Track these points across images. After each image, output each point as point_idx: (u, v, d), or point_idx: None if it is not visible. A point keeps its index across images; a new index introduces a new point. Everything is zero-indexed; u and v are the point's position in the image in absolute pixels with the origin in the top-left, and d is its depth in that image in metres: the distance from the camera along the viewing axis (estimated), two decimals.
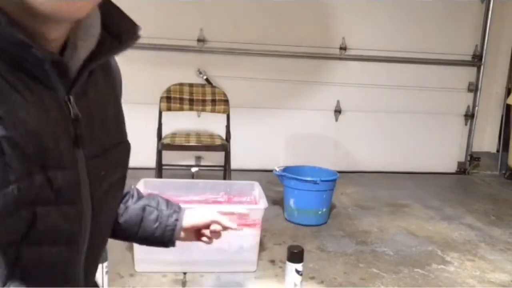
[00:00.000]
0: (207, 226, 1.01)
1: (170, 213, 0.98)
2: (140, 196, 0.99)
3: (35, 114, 0.57)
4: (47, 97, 0.59)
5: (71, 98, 0.62)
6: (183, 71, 3.80)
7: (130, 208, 0.94)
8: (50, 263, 0.64)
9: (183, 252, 2.14)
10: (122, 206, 0.94)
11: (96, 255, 0.75)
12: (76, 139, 0.63)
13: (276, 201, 3.17)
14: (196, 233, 1.03)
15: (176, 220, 0.97)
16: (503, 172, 4.40)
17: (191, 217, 1.00)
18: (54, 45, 0.60)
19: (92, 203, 0.68)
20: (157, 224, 0.96)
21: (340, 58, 4.13)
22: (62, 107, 0.61)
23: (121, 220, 0.92)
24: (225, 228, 1.00)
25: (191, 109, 3.39)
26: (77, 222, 0.66)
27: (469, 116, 4.44)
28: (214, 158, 3.79)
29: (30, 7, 0.53)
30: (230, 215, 1.07)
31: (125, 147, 0.78)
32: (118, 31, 0.63)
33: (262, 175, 3.37)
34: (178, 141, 3.23)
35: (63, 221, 0.63)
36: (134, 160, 3.48)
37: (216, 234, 1.01)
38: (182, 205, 1.05)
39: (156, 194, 1.04)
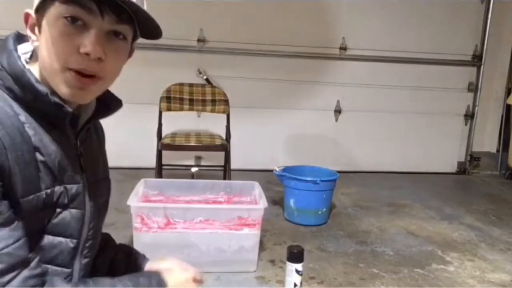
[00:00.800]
0: None
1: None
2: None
3: (58, 149, 0.89)
4: (63, 140, 0.91)
5: (78, 142, 0.96)
6: (183, 71, 3.80)
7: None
8: (60, 250, 0.92)
9: (183, 252, 2.14)
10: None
11: (91, 251, 1.02)
12: (81, 167, 0.96)
13: (276, 201, 3.17)
14: None
15: None
16: (503, 172, 4.41)
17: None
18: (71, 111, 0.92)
19: (90, 211, 0.98)
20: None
21: (340, 58, 4.13)
22: (72, 146, 0.94)
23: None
24: None
25: (191, 109, 3.39)
26: (80, 222, 0.95)
27: (469, 116, 4.44)
28: (214, 158, 3.79)
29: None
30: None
31: (109, 181, 1.12)
32: (109, 105, 1.00)
33: (262, 175, 3.37)
34: (178, 141, 3.23)
35: (71, 220, 0.93)
36: (134, 160, 3.50)
37: None
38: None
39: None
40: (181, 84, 3.37)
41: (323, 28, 4.08)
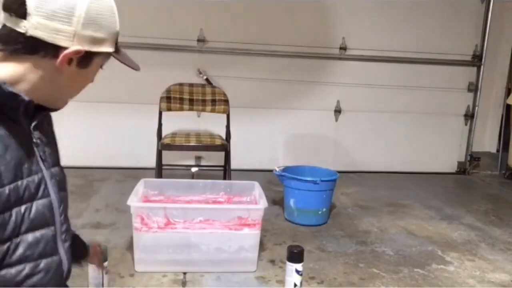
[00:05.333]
0: None
1: None
2: None
3: (14, 142, 0.92)
4: (20, 132, 0.95)
5: (33, 132, 1.00)
6: (183, 71, 3.80)
7: None
8: (45, 241, 0.99)
9: (183, 252, 2.14)
10: None
11: (67, 234, 1.10)
12: (40, 156, 1.01)
13: (276, 201, 3.17)
14: None
15: None
16: (503, 172, 4.40)
17: None
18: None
19: (56, 196, 1.03)
20: None
21: (340, 58, 4.13)
22: (28, 137, 0.99)
23: None
24: None
25: (191, 109, 3.39)
26: (51, 209, 1.01)
27: (469, 116, 4.44)
28: (214, 158, 3.79)
29: (48, 99, 1.00)
30: None
31: (62, 169, 1.14)
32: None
33: (262, 175, 3.37)
34: (178, 141, 3.23)
35: (43, 209, 0.98)
36: (134, 160, 3.50)
37: None
38: None
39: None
40: (181, 84, 3.37)
41: (323, 28, 4.08)
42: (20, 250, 0.93)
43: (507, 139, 4.40)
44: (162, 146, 3.18)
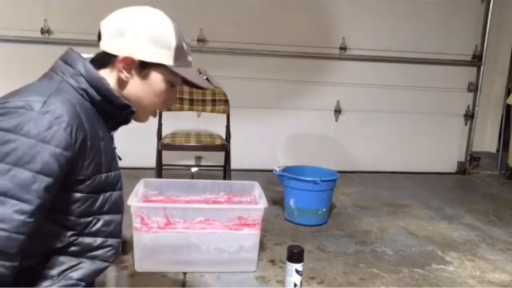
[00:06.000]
0: None
1: None
2: None
3: (109, 141, 1.19)
4: (109, 135, 1.21)
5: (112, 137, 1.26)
6: None
7: None
8: (115, 223, 1.21)
9: (183, 252, 2.14)
10: None
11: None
12: (118, 156, 1.26)
13: (276, 201, 3.17)
14: None
15: None
16: (503, 172, 4.40)
17: None
18: None
19: (123, 191, 1.25)
20: None
21: (340, 58, 4.13)
22: (111, 140, 1.23)
23: None
24: None
25: (191, 109, 3.38)
26: (123, 200, 1.25)
27: (469, 116, 4.44)
28: (214, 158, 3.79)
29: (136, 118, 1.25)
30: None
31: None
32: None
33: (262, 175, 3.37)
34: (178, 141, 3.23)
35: (119, 199, 1.22)
36: (134, 160, 3.48)
37: None
38: None
39: None
40: (181, 84, 3.36)
41: (323, 28, 4.08)
42: (98, 225, 1.15)
43: (507, 139, 4.40)
44: (162, 146, 3.18)
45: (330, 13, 4.05)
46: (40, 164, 0.96)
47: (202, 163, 4.01)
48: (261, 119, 4.09)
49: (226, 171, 3.39)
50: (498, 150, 4.61)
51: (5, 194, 0.93)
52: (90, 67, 1.12)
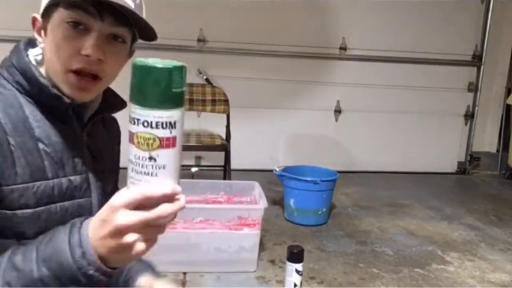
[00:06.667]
0: None
1: None
2: None
3: (62, 141, 0.95)
4: (69, 133, 0.97)
5: (84, 134, 1.00)
6: None
7: None
8: None
9: (183, 252, 2.14)
10: None
11: None
12: (91, 157, 1.01)
13: (276, 201, 3.17)
14: None
15: None
16: (503, 172, 4.40)
17: None
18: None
19: (97, 199, 1.01)
20: None
21: (340, 58, 4.13)
22: (78, 138, 0.99)
23: None
24: None
25: (191, 109, 3.38)
26: (89, 210, 0.99)
27: (469, 116, 4.44)
28: (214, 158, 3.79)
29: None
30: None
31: (116, 175, 1.15)
32: (113, 102, 1.06)
33: (262, 175, 3.36)
34: None
35: (80, 209, 0.97)
36: None
37: None
38: None
39: None
40: None
41: (323, 28, 4.08)
42: None
43: (507, 139, 4.39)
44: None
45: (330, 13, 4.05)
46: None
47: (202, 163, 4.01)
48: (261, 119, 4.09)
49: (226, 171, 3.39)
50: (498, 150, 4.61)
51: None
52: (22, 55, 0.94)
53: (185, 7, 3.78)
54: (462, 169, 4.50)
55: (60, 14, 0.89)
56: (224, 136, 3.40)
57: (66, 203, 0.95)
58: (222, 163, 3.45)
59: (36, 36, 0.95)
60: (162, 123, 0.65)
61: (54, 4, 0.90)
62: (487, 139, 4.65)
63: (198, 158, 4.02)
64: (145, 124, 0.64)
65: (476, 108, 4.39)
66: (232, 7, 3.86)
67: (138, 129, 0.65)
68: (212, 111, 3.37)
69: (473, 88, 4.39)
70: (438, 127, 4.39)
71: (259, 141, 4.10)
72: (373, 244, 2.64)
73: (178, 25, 3.79)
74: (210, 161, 3.94)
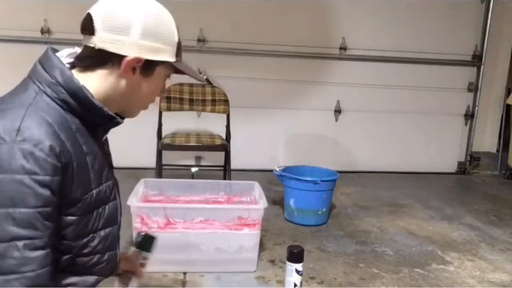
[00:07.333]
0: None
1: None
2: None
3: (98, 151, 1.11)
4: (98, 142, 1.13)
5: (104, 143, 1.20)
6: None
7: None
8: (112, 236, 1.17)
9: (183, 252, 2.14)
10: None
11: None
12: (110, 164, 1.21)
13: (276, 201, 3.17)
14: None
15: None
16: (503, 172, 4.40)
17: None
18: None
19: (119, 199, 1.21)
20: None
21: (340, 58, 4.13)
22: (102, 147, 1.16)
23: None
24: None
25: (191, 109, 3.39)
26: (117, 210, 1.20)
27: (469, 116, 4.44)
28: (214, 158, 3.79)
29: (120, 109, 1.16)
30: None
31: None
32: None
33: (262, 175, 3.37)
34: (178, 141, 3.23)
35: (113, 210, 1.16)
36: (134, 160, 3.49)
37: None
38: None
39: None
40: (181, 84, 3.37)
41: (323, 28, 4.08)
42: (93, 244, 1.10)
43: (507, 139, 4.39)
44: (162, 146, 3.18)
45: (330, 13, 4.05)
46: (35, 198, 0.92)
47: (202, 163, 4.01)
48: (261, 119, 4.09)
49: (226, 171, 3.39)
50: (498, 150, 4.61)
51: (14, 238, 0.90)
52: (69, 74, 1.03)
53: (185, 7, 3.77)
54: (462, 169, 4.50)
55: (166, 70, 1.14)
56: (224, 136, 3.40)
57: (100, 209, 1.10)
58: (222, 163, 3.45)
59: (123, 69, 1.05)
60: None
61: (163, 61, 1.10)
62: (487, 139, 4.65)
63: (198, 158, 4.02)
64: None
65: (476, 108, 4.39)
66: (232, 7, 3.86)
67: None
68: (212, 111, 3.38)
69: (473, 88, 4.39)
70: (438, 127, 4.39)
71: (259, 141, 4.10)
72: (373, 244, 2.64)
73: (178, 25, 3.79)
74: (210, 161, 3.94)
